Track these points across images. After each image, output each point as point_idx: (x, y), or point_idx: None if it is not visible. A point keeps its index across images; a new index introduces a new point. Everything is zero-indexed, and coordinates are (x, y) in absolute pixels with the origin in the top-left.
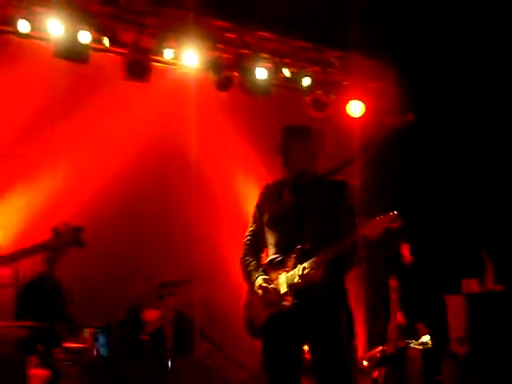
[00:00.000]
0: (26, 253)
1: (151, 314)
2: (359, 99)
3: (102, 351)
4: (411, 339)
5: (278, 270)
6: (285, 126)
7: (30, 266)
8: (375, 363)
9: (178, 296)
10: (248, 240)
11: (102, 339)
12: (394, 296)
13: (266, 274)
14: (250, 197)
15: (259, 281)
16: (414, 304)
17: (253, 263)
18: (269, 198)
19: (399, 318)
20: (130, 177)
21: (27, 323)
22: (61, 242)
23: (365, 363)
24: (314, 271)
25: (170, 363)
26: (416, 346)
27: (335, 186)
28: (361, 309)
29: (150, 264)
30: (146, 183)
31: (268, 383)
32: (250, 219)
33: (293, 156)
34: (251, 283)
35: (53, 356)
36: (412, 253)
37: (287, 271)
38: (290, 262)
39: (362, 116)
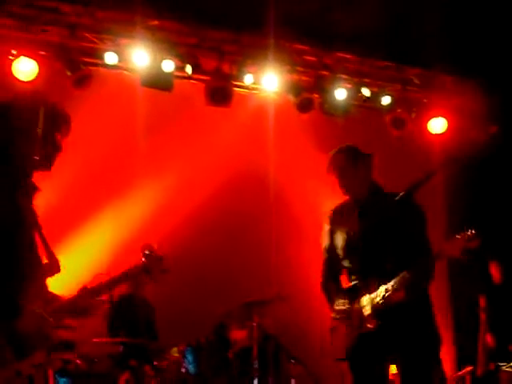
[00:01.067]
0: (118, 281)
1: (238, 333)
2: (441, 116)
3: (190, 369)
4: (503, 362)
5: (360, 293)
6: (331, 152)
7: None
8: None
9: (264, 315)
10: (325, 266)
11: (190, 357)
12: (483, 316)
13: (347, 298)
14: None
15: (341, 305)
16: (505, 325)
17: (333, 288)
18: (336, 223)
19: (488, 339)
20: (214, 199)
21: (120, 339)
22: (151, 267)
23: None
24: (396, 293)
25: (256, 382)
26: (508, 369)
27: (401, 204)
28: (450, 328)
29: (237, 283)
30: (230, 205)
31: None
32: (322, 245)
33: (344, 180)
34: (333, 308)
35: (144, 372)
36: (502, 272)
37: (369, 293)
38: (372, 285)
39: (443, 133)
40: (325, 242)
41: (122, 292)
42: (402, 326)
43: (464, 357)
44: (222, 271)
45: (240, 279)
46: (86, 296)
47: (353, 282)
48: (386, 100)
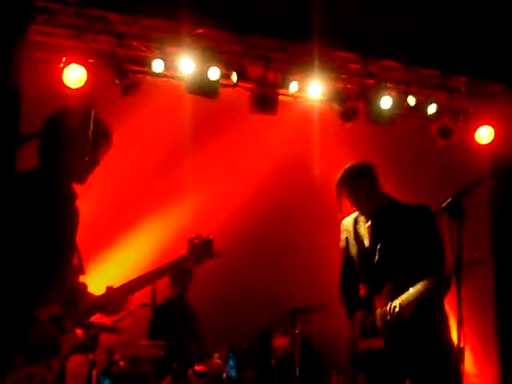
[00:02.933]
0: (167, 269)
1: (281, 340)
2: (488, 125)
3: (232, 374)
4: None
5: (373, 305)
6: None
7: (164, 289)
8: None
9: (307, 323)
10: (341, 276)
11: (232, 362)
12: None
13: (363, 309)
14: None
15: (355, 316)
16: None
17: (348, 298)
18: (350, 233)
19: None
20: (259, 205)
21: (163, 342)
22: (196, 254)
23: None
24: (403, 311)
25: None
26: None
27: (414, 213)
28: (493, 345)
29: (281, 288)
30: (274, 211)
31: None
32: (340, 254)
33: (353, 198)
34: (349, 318)
35: (186, 376)
36: None
37: (381, 307)
38: (383, 299)
39: (490, 142)
40: (341, 251)
41: (166, 296)
42: (412, 343)
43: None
44: (266, 276)
45: (284, 284)
46: (113, 294)
47: (367, 293)
48: (431, 109)
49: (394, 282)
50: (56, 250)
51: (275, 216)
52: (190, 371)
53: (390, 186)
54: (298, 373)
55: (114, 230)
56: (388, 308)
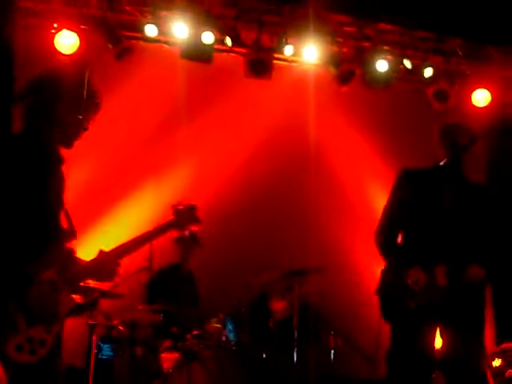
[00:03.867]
0: (154, 233)
1: (279, 304)
2: (484, 88)
3: (231, 337)
4: None
5: (436, 263)
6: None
7: (162, 254)
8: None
9: (305, 285)
10: (387, 225)
11: (230, 326)
12: None
13: (419, 265)
14: (370, 188)
15: (414, 270)
16: None
17: (397, 248)
18: (418, 187)
19: None
20: (254, 170)
21: (162, 307)
22: (181, 220)
23: (497, 362)
24: (477, 275)
25: (296, 353)
26: None
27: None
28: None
29: (278, 252)
30: (269, 176)
31: (398, 370)
32: (390, 201)
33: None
34: (398, 268)
35: (185, 340)
36: None
37: (448, 266)
38: (451, 260)
39: (487, 105)
40: (393, 199)
41: (168, 261)
42: (468, 301)
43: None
44: (263, 240)
45: (281, 248)
46: (106, 258)
47: (428, 248)
48: (428, 72)
49: (461, 247)
50: (45, 211)
51: (271, 180)
52: (189, 335)
53: (386, 150)
54: (296, 335)
55: (107, 197)
56: (460, 269)
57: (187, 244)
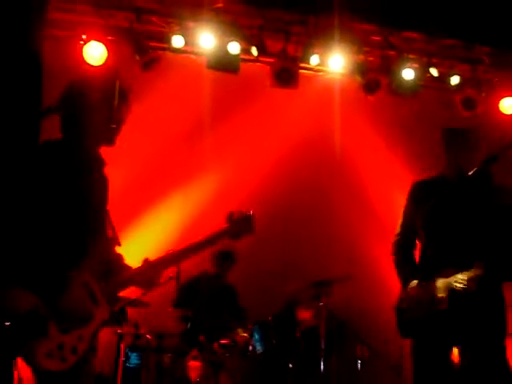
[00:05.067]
0: (204, 244)
1: (305, 313)
2: None
3: (257, 347)
4: None
5: (438, 273)
6: (446, 127)
7: (192, 264)
8: None
9: (331, 295)
10: (400, 238)
11: (257, 335)
12: None
13: (422, 276)
14: (396, 197)
15: (415, 282)
16: None
17: (407, 263)
18: (423, 196)
19: None
20: (281, 180)
21: (190, 314)
22: (236, 229)
23: None
24: (472, 283)
25: (322, 363)
26: None
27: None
28: None
29: (304, 262)
30: (297, 184)
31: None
32: (402, 216)
33: (456, 157)
34: (406, 284)
35: (212, 349)
36: None
37: (446, 276)
38: (451, 268)
39: None
40: (405, 213)
41: (203, 270)
42: (474, 312)
43: None
44: (289, 250)
45: (307, 258)
46: (151, 268)
47: (430, 259)
48: (454, 80)
49: (461, 256)
50: (85, 216)
51: (297, 190)
52: (216, 345)
53: (412, 158)
54: (323, 345)
55: (136, 206)
56: (459, 278)
57: (226, 260)
